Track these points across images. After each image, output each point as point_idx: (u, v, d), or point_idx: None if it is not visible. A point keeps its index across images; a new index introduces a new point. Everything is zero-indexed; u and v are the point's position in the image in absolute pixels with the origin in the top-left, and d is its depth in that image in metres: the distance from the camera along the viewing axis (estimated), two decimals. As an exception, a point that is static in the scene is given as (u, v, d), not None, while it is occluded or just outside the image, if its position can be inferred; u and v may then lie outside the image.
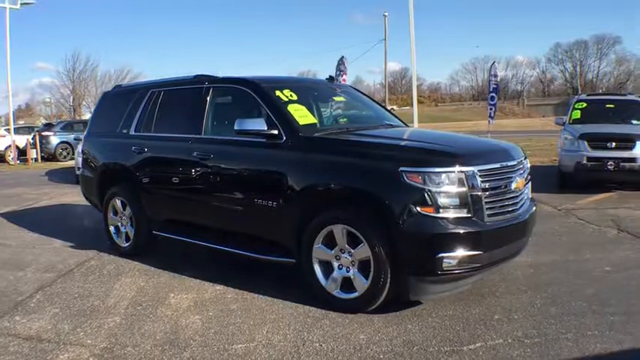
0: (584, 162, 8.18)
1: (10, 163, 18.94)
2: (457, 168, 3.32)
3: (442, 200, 3.29)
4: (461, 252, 3.29)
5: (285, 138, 3.89)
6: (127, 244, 5.27)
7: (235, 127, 3.96)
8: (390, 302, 3.53)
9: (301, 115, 4.04)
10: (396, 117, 5.11)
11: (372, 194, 3.43)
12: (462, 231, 3.30)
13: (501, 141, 4.39)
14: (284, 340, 3.25)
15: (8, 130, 20.77)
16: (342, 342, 3.18)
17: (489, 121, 20.88)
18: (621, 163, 7.99)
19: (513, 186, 3.65)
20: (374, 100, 5.32)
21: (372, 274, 3.44)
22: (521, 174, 3.81)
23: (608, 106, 9.91)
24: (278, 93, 4.19)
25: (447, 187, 3.30)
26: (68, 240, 5.96)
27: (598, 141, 8.22)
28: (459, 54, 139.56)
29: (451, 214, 3.31)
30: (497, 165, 3.56)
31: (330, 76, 5.10)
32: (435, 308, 3.64)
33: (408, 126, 5.02)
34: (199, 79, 4.72)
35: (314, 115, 4.14)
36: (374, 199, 3.41)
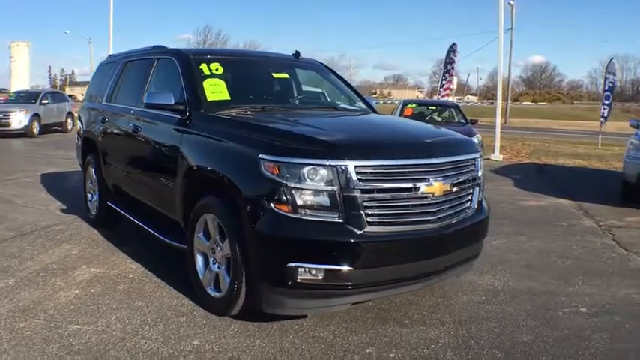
0: None
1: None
2: (325, 161, 2.72)
3: (302, 199, 2.73)
4: (322, 264, 2.71)
5: (188, 114, 3.58)
6: (94, 214, 5.38)
7: (145, 100, 3.75)
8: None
9: (214, 90, 3.70)
10: (367, 103, 4.50)
11: (232, 183, 2.98)
12: (324, 239, 2.72)
13: (448, 132, 3.58)
14: (121, 330, 3.00)
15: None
16: (168, 344, 2.83)
17: (601, 122, 18.40)
18: None
19: (423, 189, 2.92)
20: (346, 83, 4.72)
21: (231, 275, 3.02)
22: (448, 176, 3.06)
23: None
24: (202, 66, 3.88)
25: (310, 183, 2.72)
26: (67, 204, 6.28)
27: None
28: (599, 51, 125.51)
29: (314, 216, 2.74)
30: (395, 162, 2.86)
31: (296, 52, 4.63)
32: (312, 326, 3.08)
33: (374, 112, 4.39)
34: (155, 50, 4.58)
35: (229, 92, 3.74)
36: (233, 189, 2.97)
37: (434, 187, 2.96)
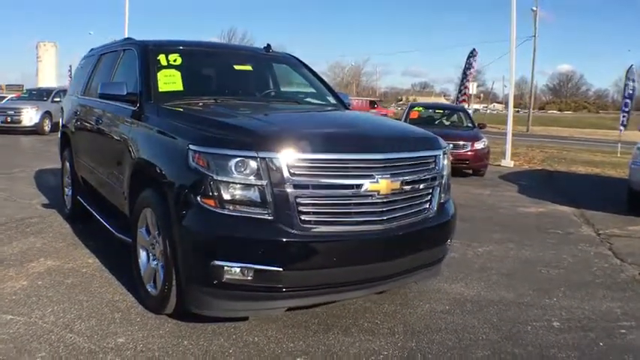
0: None
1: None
2: (254, 153, 2.56)
3: (230, 193, 2.58)
4: (249, 264, 2.54)
5: (138, 105, 3.47)
6: (69, 208, 5.32)
7: (99, 91, 3.65)
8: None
9: (167, 81, 3.58)
10: (338, 98, 4.31)
11: (164, 175, 2.86)
12: (251, 237, 2.56)
13: (407, 128, 3.36)
14: (52, 323, 2.90)
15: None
16: (92, 340, 2.71)
17: (620, 130, 17.77)
18: None
19: (367, 187, 2.72)
20: (319, 78, 4.53)
21: (164, 272, 2.88)
22: (398, 173, 2.85)
23: None
24: (160, 56, 3.76)
25: (238, 176, 2.57)
26: (51, 199, 6.24)
27: None
28: (626, 60, 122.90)
29: (241, 212, 2.58)
30: (331, 156, 2.67)
31: (267, 44, 4.48)
32: (249, 329, 2.90)
33: (345, 109, 4.20)
34: (124, 42, 4.50)
35: (184, 83, 3.61)
36: (166, 182, 2.84)
37: (379, 185, 2.75)
